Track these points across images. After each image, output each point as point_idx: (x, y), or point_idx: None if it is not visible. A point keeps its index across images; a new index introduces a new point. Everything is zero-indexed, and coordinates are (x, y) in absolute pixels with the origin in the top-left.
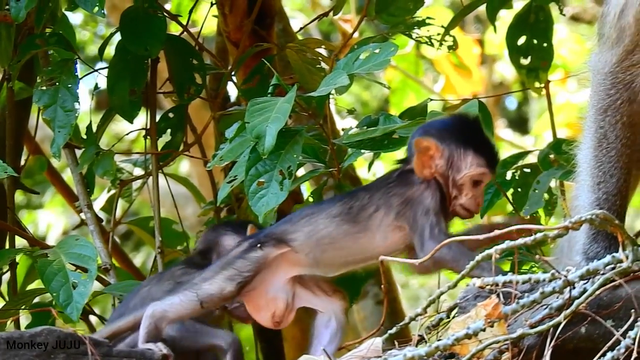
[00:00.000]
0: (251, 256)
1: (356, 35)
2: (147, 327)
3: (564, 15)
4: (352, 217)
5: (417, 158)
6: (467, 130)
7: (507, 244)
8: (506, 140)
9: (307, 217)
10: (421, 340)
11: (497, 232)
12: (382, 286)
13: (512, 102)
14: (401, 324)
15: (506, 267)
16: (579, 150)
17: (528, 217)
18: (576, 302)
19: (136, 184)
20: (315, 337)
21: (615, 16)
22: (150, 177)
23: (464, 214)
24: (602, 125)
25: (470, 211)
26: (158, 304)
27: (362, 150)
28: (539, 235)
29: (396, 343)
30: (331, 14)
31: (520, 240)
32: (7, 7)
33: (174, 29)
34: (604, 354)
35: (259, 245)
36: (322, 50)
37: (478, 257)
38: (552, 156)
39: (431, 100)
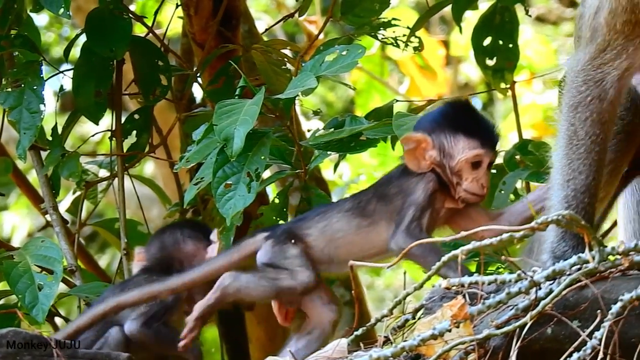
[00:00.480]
0: (291, 252)
1: (321, 36)
2: (215, 294)
3: (529, 16)
4: (361, 211)
5: (407, 154)
6: (455, 115)
7: (473, 244)
8: None
9: (322, 213)
10: (387, 341)
11: (463, 233)
12: (353, 291)
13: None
14: (367, 325)
15: (472, 267)
16: (553, 148)
17: None
18: (542, 302)
19: (101, 186)
20: (292, 339)
21: (590, 17)
22: (116, 179)
23: (471, 199)
24: (573, 123)
25: (476, 194)
26: (235, 279)
27: (329, 152)
28: (505, 236)
29: (362, 344)
30: (297, 15)
31: (487, 241)
32: None
33: (139, 30)
34: (570, 355)
35: (292, 241)
36: (288, 52)
37: (444, 258)
38: (518, 157)
39: (397, 101)
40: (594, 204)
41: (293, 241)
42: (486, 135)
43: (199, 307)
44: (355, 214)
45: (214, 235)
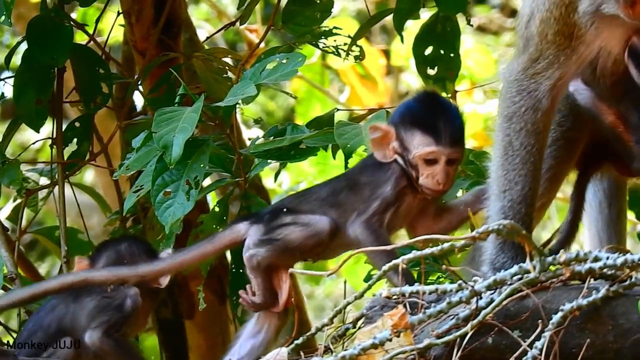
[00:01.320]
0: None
1: (262, 45)
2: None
3: (471, 26)
4: (335, 199)
5: (372, 143)
6: (418, 109)
7: (413, 253)
8: None
9: (304, 198)
10: (327, 350)
11: (403, 242)
12: (292, 299)
13: None
14: (308, 334)
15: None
16: (490, 159)
17: None
18: (483, 312)
19: (42, 194)
20: (236, 344)
21: (523, 26)
22: (56, 187)
23: (429, 193)
24: (508, 133)
25: (432, 190)
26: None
27: (269, 160)
28: (446, 245)
29: (302, 353)
30: (238, 23)
31: (427, 250)
32: None
33: (81, 38)
34: None
35: (284, 210)
36: (229, 60)
37: (385, 267)
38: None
39: (338, 110)
40: (532, 213)
41: (285, 210)
42: (444, 132)
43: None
44: (329, 204)
45: (164, 254)
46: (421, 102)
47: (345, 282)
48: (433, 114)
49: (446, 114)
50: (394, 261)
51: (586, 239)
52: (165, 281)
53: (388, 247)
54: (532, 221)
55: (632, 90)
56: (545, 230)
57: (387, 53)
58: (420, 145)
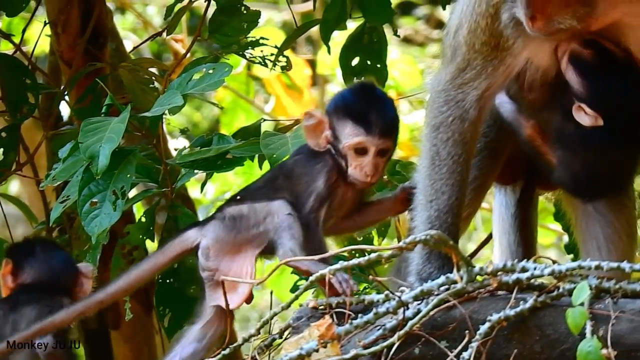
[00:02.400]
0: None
1: (188, 55)
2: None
3: (398, 36)
4: (274, 185)
5: (306, 130)
6: (351, 99)
7: (340, 264)
8: None
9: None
10: None
11: (331, 252)
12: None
13: None
14: (235, 344)
15: None
16: (417, 169)
17: (361, 237)
18: (410, 322)
19: None
20: (177, 347)
21: (451, 36)
22: None
23: (357, 183)
24: (435, 143)
25: (360, 181)
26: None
27: (196, 170)
28: (372, 255)
29: None
30: (164, 34)
31: (354, 261)
32: None
33: (6, 47)
34: None
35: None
36: (155, 70)
37: (312, 278)
38: (385, 177)
39: (264, 120)
40: (458, 223)
41: (239, 197)
42: (375, 123)
43: None
44: (270, 189)
45: (86, 268)
46: (355, 93)
47: (271, 293)
48: (366, 104)
49: (379, 105)
50: (321, 271)
51: (496, 251)
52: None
53: (316, 257)
54: (458, 231)
55: (557, 102)
56: (472, 241)
57: (312, 63)
58: (350, 135)
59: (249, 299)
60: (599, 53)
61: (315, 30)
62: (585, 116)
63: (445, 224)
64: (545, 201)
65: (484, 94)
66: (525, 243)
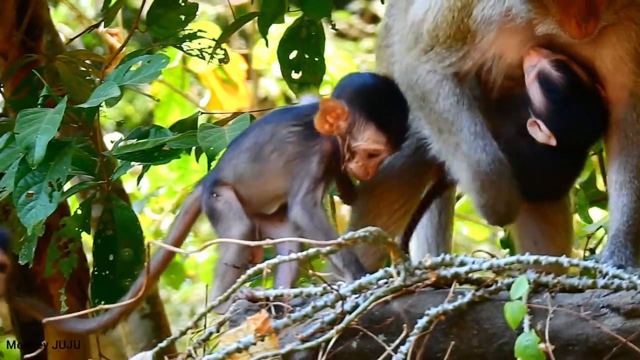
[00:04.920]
0: (218, 207)
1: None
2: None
3: (336, 30)
4: (257, 153)
5: (320, 116)
6: (378, 100)
7: (279, 258)
8: None
9: (233, 148)
10: (191, 354)
11: (269, 241)
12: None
13: None
14: (171, 337)
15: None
16: (429, 140)
17: None
18: (348, 316)
19: None
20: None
21: (413, 25)
22: None
23: (352, 176)
24: (430, 107)
25: (359, 177)
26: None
27: (132, 163)
28: (311, 250)
29: (166, 358)
30: (101, 26)
31: (293, 255)
32: None
33: None
34: None
35: (214, 195)
36: (91, 62)
37: (249, 271)
38: None
39: (201, 113)
40: (494, 143)
41: (215, 195)
42: (396, 133)
43: None
44: (251, 157)
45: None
46: (382, 94)
47: (206, 287)
48: (392, 110)
49: (403, 113)
50: (258, 265)
51: (413, 245)
52: None
53: (290, 239)
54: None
55: (513, 109)
56: None
57: (247, 57)
58: (370, 140)
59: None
60: (567, 78)
61: (249, 25)
62: (539, 132)
63: (479, 147)
64: None
65: (454, 74)
66: (443, 237)
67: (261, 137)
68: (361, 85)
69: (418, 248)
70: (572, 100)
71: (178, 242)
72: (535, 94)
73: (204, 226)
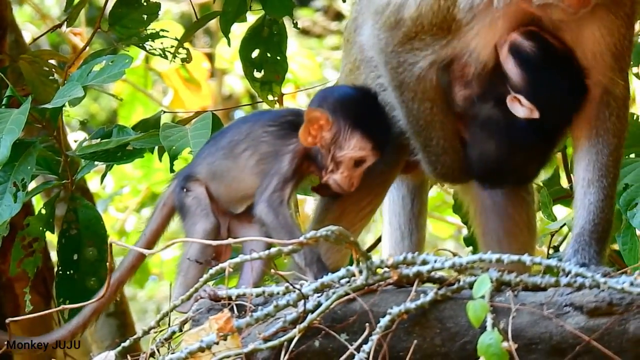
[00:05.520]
0: (187, 202)
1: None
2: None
3: (298, 28)
4: (230, 151)
5: (304, 127)
6: (362, 109)
7: (241, 257)
8: None
9: (211, 144)
10: (154, 353)
11: (231, 240)
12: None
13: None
14: (134, 337)
15: (233, 282)
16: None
17: None
18: (310, 315)
19: None
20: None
21: (394, 6)
22: None
23: (335, 189)
24: (403, 100)
25: (343, 189)
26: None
27: (96, 162)
28: (273, 250)
29: (129, 357)
30: (65, 25)
31: (255, 255)
32: None
33: None
34: None
35: (185, 190)
36: (55, 62)
37: (212, 270)
38: None
39: (164, 112)
40: (458, 158)
41: (185, 190)
42: (381, 139)
43: None
44: (225, 155)
45: None
46: (363, 102)
47: (170, 285)
48: (375, 117)
49: (385, 120)
50: (221, 265)
51: (386, 232)
52: None
53: (264, 239)
54: (459, 159)
55: (489, 94)
56: (370, 232)
57: (210, 56)
58: (356, 147)
59: None
60: (539, 45)
61: (213, 23)
62: (520, 107)
63: (446, 163)
64: (443, 194)
65: (434, 64)
66: (416, 225)
67: (237, 135)
68: (343, 95)
69: (391, 236)
70: (548, 67)
71: (156, 235)
72: (511, 68)
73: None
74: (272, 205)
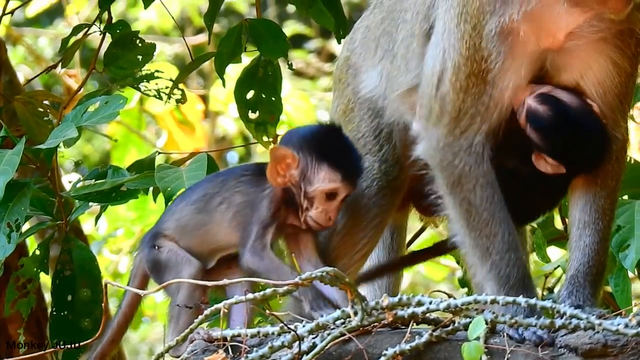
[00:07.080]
0: (162, 258)
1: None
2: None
3: (292, 70)
4: (204, 205)
5: (271, 166)
6: (325, 142)
7: (236, 298)
8: None
9: (178, 202)
10: None
11: (226, 281)
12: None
13: (233, 157)
14: None
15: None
16: (454, 231)
17: None
18: (305, 357)
19: None
20: None
21: (433, 88)
22: None
23: (315, 227)
24: (463, 196)
25: (321, 225)
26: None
27: (90, 203)
28: (268, 291)
29: None
30: (59, 67)
31: (250, 295)
32: None
33: None
34: None
35: (157, 247)
36: (49, 103)
37: (207, 311)
38: None
39: (159, 153)
40: (524, 255)
41: (157, 247)
42: (350, 169)
43: None
44: (199, 209)
45: None
46: (327, 135)
47: (164, 326)
48: (340, 148)
49: (352, 150)
50: (216, 305)
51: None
52: None
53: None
54: (528, 259)
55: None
56: None
57: (204, 97)
58: (326, 180)
59: None
60: (554, 108)
61: (206, 65)
62: (546, 165)
63: (512, 261)
64: (437, 235)
65: (487, 136)
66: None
67: (210, 188)
68: (306, 131)
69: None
70: (566, 127)
71: (134, 306)
72: (531, 133)
73: None
74: (256, 252)
